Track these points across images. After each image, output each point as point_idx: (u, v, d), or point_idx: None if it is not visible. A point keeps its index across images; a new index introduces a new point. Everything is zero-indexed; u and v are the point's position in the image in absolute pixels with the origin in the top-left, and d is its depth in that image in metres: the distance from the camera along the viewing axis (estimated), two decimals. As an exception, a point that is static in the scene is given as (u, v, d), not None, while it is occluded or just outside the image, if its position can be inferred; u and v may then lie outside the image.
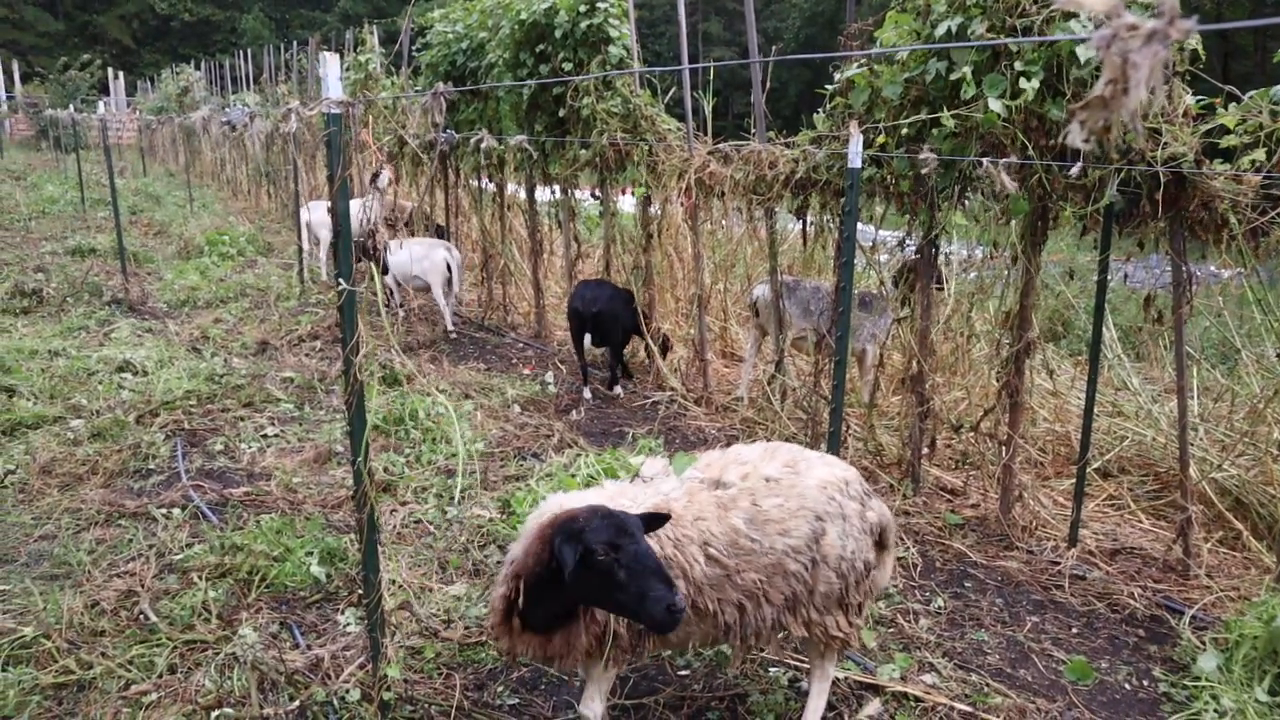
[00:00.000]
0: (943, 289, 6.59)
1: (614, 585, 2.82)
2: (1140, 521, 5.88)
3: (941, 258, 6.50)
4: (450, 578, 4.78)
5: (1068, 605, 4.80)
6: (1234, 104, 4.74)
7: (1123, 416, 7.00)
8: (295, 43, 19.10)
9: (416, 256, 9.96)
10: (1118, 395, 7.32)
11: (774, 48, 11.32)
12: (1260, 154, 4.55)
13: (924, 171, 4.29)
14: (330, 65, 3.19)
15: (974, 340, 7.21)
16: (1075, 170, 3.83)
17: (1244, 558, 5.37)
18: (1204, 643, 4.28)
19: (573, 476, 5.42)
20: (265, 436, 6.75)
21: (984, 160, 4.20)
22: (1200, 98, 4.80)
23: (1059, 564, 5.17)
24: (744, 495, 3.35)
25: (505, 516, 5.33)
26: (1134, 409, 7.01)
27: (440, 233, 11.82)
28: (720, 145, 7.28)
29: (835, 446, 4.26)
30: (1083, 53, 4.69)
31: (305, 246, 12.46)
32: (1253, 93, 4.80)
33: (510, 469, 6.17)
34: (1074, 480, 5.47)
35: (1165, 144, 4.65)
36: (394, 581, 4.61)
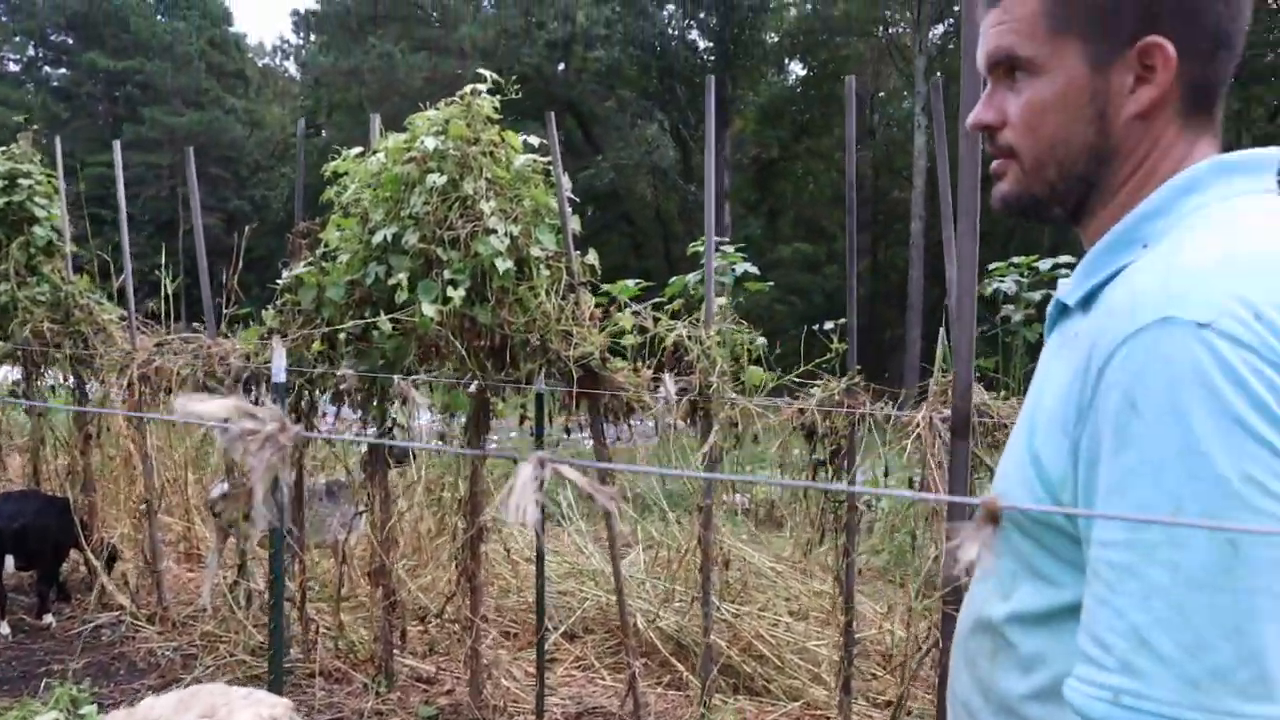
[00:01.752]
0: (401, 468, 6.66)
1: None
2: (604, 679, 6.35)
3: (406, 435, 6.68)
4: None
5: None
6: (626, 309, 5.60)
7: (583, 578, 7.62)
8: None
9: None
10: (579, 559, 7.97)
11: (256, 219, 11.10)
12: (664, 342, 5.39)
13: (342, 388, 4.42)
14: None
15: (445, 523, 7.42)
16: (473, 387, 4.22)
17: (687, 696, 6.03)
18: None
19: (-39, 751, 4.46)
20: None
21: (395, 378, 4.45)
22: (639, 281, 5.58)
23: (525, 740, 5.36)
24: (149, 760, 3.01)
25: None
26: (592, 571, 7.68)
27: None
28: (169, 337, 6.83)
29: (279, 678, 4.03)
30: (500, 264, 5.24)
31: None
32: (673, 279, 5.72)
33: (-122, 751, 4.90)
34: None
35: (577, 344, 5.32)
36: None
